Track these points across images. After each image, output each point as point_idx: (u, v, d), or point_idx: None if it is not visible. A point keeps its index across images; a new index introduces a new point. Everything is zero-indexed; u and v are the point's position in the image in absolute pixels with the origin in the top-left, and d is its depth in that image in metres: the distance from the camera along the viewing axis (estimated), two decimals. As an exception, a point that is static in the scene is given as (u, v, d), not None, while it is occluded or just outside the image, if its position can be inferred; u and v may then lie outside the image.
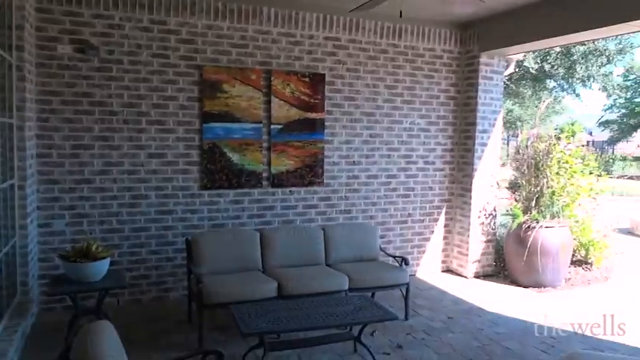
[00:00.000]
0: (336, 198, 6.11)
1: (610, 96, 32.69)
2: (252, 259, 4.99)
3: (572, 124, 6.71)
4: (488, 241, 6.73)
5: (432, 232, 6.76)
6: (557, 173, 6.46)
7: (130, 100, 5.17)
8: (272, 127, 5.73)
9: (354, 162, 6.17)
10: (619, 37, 14.26)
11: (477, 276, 6.66)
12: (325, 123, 5.96)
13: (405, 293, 5.09)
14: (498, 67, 6.59)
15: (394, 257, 5.48)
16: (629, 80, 38.17)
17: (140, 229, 5.34)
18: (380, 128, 6.27)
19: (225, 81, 5.50)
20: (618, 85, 21.29)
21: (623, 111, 41.06)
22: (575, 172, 6.52)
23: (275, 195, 5.84)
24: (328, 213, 6.08)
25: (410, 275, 6.02)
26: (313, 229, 5.48)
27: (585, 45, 14.90)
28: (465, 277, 6.63)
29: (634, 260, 7.78)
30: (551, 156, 6.42)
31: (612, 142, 38.58)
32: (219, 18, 5.40)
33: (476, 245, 6.63)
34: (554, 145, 6.48)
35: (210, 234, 5.22)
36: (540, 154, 6.48)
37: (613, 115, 41.40)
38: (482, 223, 6.65)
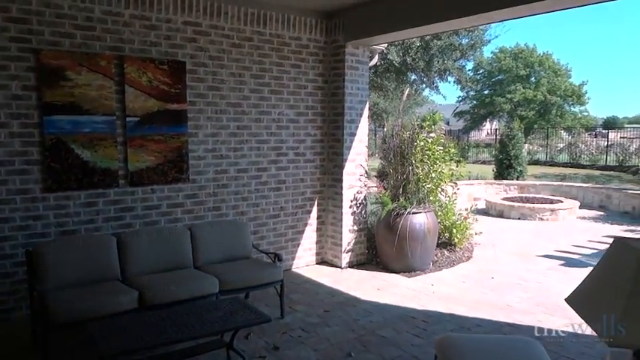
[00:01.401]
0: (204, 195, 5.72)
1: (463, 88, 35.66)
2: (109, 268, 4.45)
3: (434, 114, 7.00)
4: (360, 230, 6.80)
5: (306, 224, 6.67)
6: (422, 161, 6.70)
7: (-54, 90, 4.33)
8: (127, 119, 5.18)
9: (221, 155, 5.82)
10: (471, 33, 15.40)
11: (351, 265, 6.70)
12: (188, 115, 5.54)
13: (279, 290, 4.90)
14: (363, 57, 6.64)
15: (267, 254, 5.27)
16: (479, 74, 41.98)
17: (-33, 243, 4.52)
18: (248, 120, 5.99)
19: (69, 67, 4.83)
20: (470, 78, 23.16)
21: (475, 102, 45.21)
22: (437, 159, 6.81)
23: (135, 194, 5.30)
24: (196, 211, 5.68)
25: (285, 270, 5.89)
26: (179, 229, 5.07)
27: (442, 40, 15.83)
28: (340, 267, 6.63)
29: (491, 238, 8.41)
30: (415, 144, 6.63)
31: (466, 130, 42.26)
32: (58, -5, 4.72)
33: (348, 235, 6.66)
34: (418, 133, 6.71)
35: (55, 243, 4.55)
36: (405, 142, 6.66)
37: (466, 107, 45.38)
38: (354, 212, 6.70)
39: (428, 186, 6.78)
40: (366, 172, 6.83)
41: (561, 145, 24.28)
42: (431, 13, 5.37)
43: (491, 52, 43.66)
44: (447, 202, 7.37)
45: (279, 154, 6.30)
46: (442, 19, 5.32)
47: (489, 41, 17.06)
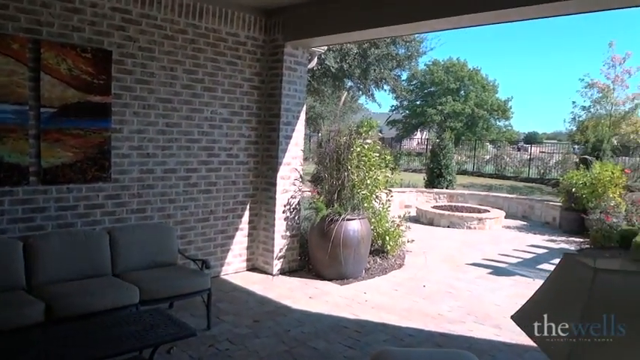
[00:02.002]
0: (127, 196, 5.31)
1: (398, 98, 36.46)
2: (13, 276, 3.97)
3: (370, 120, 6.94)
4: (293, 236, 6.60)
5: (237, 229, 6.38)
6: (357, 167, 6.61)
7: None
8: (42, 110, 4.68)
9: (148, 154, 5.44)
10: (408, 43, 15.66)
11: (283, 272, 6.48)
12: (112, 108, 5.11)
13: (206, 300, 4.60)
14: (302, 58, 6.47)
15: (194, 260, 4.96)
16: (412, 85, 43.10)
17: None
18: (178, 117, 5.64)
19: (-26, 49, 4.32)
20: (405, 88, 23.63)
21: (407, 112, 46.43)
22: (373, 165, 6.75)
23: (48, 193, 4.80)
24: (117, 213, 5.25)
25: (213, 277, 5.60)
26: (96, 233, 4.65)
27: (379, 49, 15.99)
28: (271, 274, 6.40)
29: (422, 246, 8.47)
30: (351, 150, 6.53)
31: (398, 139, 43.25)
32: (-37, -33, 4.20)
33: (281, 241, 6.44)
34: (355, 139, 6.62)
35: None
36: (342, 147, 6.54)
37: (399, 116, 46.50)
38: (287, 217, 6.50)
39: (363, 192, 6.70)
40: (301, 176, 6.65)
41: (487, 157, 25.30)
42: (371, 18, 5.28)
43: (425, 64, 45.00)
44: (380, 209, 7.33)
45: (211, 154, 5.99)
46: (382, 24, 5.25)
47: (425, 53, 17.47)
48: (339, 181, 6.46)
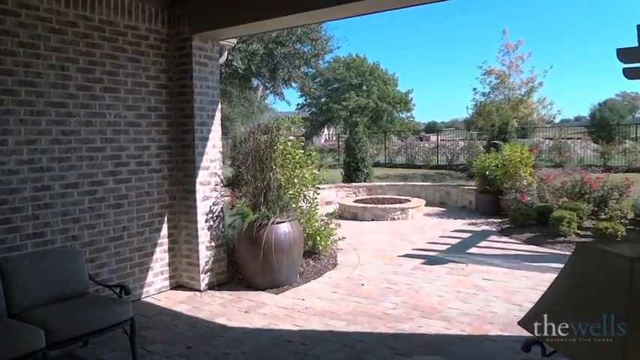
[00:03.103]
0: (19, 219, 4.48)
1: (306, 96, 36.40)
2: None
3: (294, 116, 6.55)
4: (218, 246, 6.04)
5: (155, 244, 5.72)
6: (282, 165, 6.19)
7: None
8: None
9: (42, 168, 4.64)
10: (314, 42, 15.45)
11: (212, 286, 5.91)
12: (-8, 117, 4.30)
13: (129, 332, 3.95)
14: (212, 52, 5.93)
15: (110, 287, 4.27)
16: (316, 82, 43.36)
17: None
18: (76, 123, 4.89)
19: None
20: (312, 85, 23.53)
21: (314, 110, 46.66)
22: (298, 163, 6.37)
23: None
24: (9, 241, 4.40)
25: (134, 301, 4.96)
26: (-18, 268, 3.83)
27: (285, 47, 15.66)
28: (199, 290, 5.80)
29: (351, 242, 8.22)
30: (274, 148, 6.10)
31: (308, 136, 43.29)
32: None
33: (206, 253, 5.87)
34: (277, 136, 6.19)
35: None
36: (263, 146, 6.09)
37: (306, 114, 46.62)
38: (211, 227, 5.93)
39: (290, 192, 6.30)
40: (222, 180, 6.10)
41: (396, 148, 25.88)
42: (283, 4, 4.89)
43: (326, 62, 45.51)
44: (308, 208, 6.97)
45: (118, 164, 5.28)
46: (296, 10, 4.87)
47: (332, 51, 17.42)
48: (264, 183, 6.00)
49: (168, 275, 5.88)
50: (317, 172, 6.72)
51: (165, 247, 5.83)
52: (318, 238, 6.95)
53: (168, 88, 5.76)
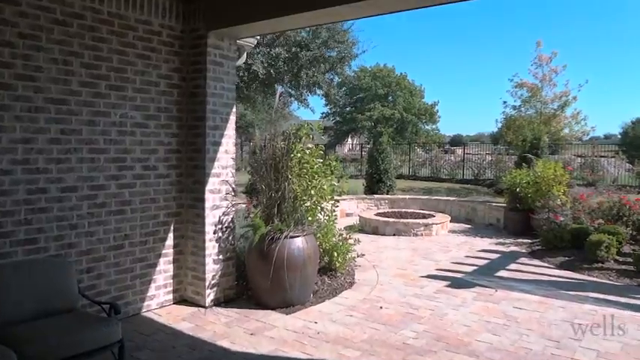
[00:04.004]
0: (10, 223, 4.13)
1: (330, 103, 36.05)
2: None
3: (313, 122, 6.12)
4: (227, 260, 5.62)
5: (159, 255, 5.32)
6: (299, 175, 5.76)
7: None
8: None
9: (37, 169, 4.30)
10: (340, 45, 15.03)
11: (218, 303, 5.49)
12: (-15, 112, 3.97)
13: (117, 354, 3.54)
14: (229, 51, 5.54)
15: (100, 304, 3.87)
16: (341, 91, 43.08)
17: None
18: (77, 122, 4.54)
19: None
20: (337, 92, 23.15)
21: (338, 119, 46.34)
22: (316, 173, 5.92)
23: None
24: (-3, 246, 4.07)
25: (133, 315, 4.63)
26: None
27: (311, 51, 15.31)
28: (203, 306, 5.38)
29: (370, 259, 7.73)
30: (291, 156, 5.68)
31: (330, 146, 42.94)
32: None
33: (213, 266, 5.45)
34: (294, 143, 5.77)
35: None
36: (280, 154, 5.66)
37: (330, 123, 46.32)
38: (220, 238, 5.51)
39: (306, 204, 5.86)
40: (233, 189, 5.69)
41: (420, 160, 25.26)
42: (303, 1, 4.47)
43: (353, 71, 45.32)
44: (326, 221, 6.51)
45: (122, 167, 4.92)
46: (322, 5, 4.44)
47: (357, 56, 16.99)
48: (279, 193, 5.57)
49: (171, 289, 5.48)
50: (337, 184, 6.26)
51: (170, 258, 5.44)
52: (335, 254, 6.49)
53: (180, 88, 5.39)
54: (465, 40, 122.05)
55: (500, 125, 21.67)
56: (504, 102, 18.53)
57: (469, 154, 25.16)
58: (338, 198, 6.53)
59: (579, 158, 20.05)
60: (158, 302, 5.34)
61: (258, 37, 6.83)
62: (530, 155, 11.34)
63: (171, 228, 5.42)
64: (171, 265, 5.46)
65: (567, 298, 5.95)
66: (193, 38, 5.36)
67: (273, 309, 5.35)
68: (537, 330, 4.90)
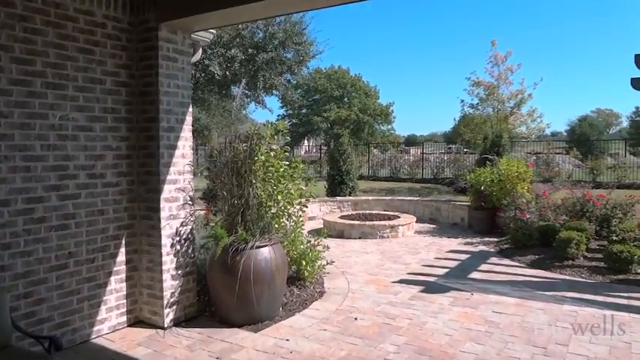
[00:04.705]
0: None
1: (287, 105, 35.59)
2: None
3: (277, 122, 5.70)
4: (187, 274, 5.12)
5: (110, 273, 4.76)
6: (264, 179, 5.33)
7: None
8: None
9: (-40, 181, 3.70)
10: (297, 46, 14.63)
11: (178, 322, 4.98)
12: None
13: (59, 397, 3.01)
14: (183, 45, 5.05)
15: (37, 338, 3.31)
16: (297, 93, 42.82)
17: None
18: (7, 126, 3.94)
19: None
20: (294, 94, 22.71)
21: (294, 121, 45.98)
22: (282, 176, 5.50)
23: None
24: None
25: (81, 343, 4.15)
26: None
27: (267, 52, 14.85)
28: (162, 327, 4.86)
29: (338, 264, 7.36)
30: (255, 159, 5.23)
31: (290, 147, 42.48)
32: None
33: (171, 282, 4.94)
34: (258, 145, 5.32)
35: None
36: (242, 157, 5.20)
37: (286, 125, 45.91)
38: (178, 251, 5.01)
39: (272, 211, 5.42)
40: (191, 198, 5.18)
41: (379, 160, 25.13)
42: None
43: (308, 72, 45.16)
44: (293, 227, 6.09)
45: (64, 176, 4.34)
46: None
47: (315, 56, 16.65)
48: (242, 200, 5.11)
49: (125, 309, 4.92)
50: (304, 188, 5.85)
51: (123, 275, 4.88)
52: (304, 263, 6.08)
53: (129, 86, 4.86)
54: (416, 41, 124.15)
55: (456, 124, 21.74)
56: (462, 100, 18.68)
57: (426, 153, 25.24)
58: (306, 203, 6.11)
59: (535, 155, 20.39)
60: (110, 326, 4.77)
61: (214, 32, 6.35)
62: (490, 156, 11.28)
63: (123, 242, 4.86)
64: (124, 283, 4.90)
65: (545, 299, 5.76)
66: (143, 31, 4.84)
67: (239, 326, 4.89)
68: (521, 336, 4.65)
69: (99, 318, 4.67)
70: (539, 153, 19.60)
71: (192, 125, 5.28)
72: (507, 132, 15.51)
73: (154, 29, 4.77)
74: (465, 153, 20.71)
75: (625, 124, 69.01)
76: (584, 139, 35.07)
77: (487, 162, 10.89)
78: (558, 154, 20.01)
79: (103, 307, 4.70)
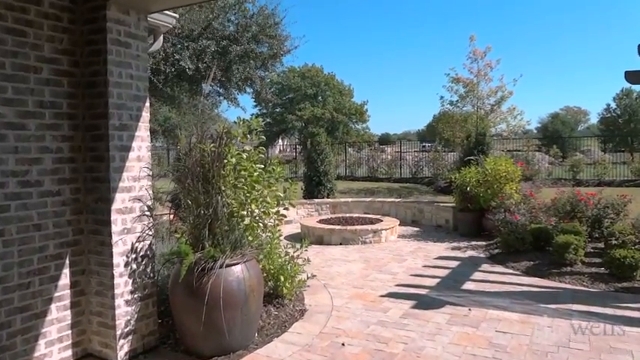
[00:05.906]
0: None
1: (262, 102, 34.75)
2: None
3: (250, 119, 4.98)
4: (146, 297, 4.35)
5: (50, 300, 3.97)
6: (235, 185, 4.60)
7: None
8: None
9: None
10: (272, 39, 13.88)
11: (135, 355, 4.21)
12: None
13: None
14: (137, 29, 4.28)
15: None
16: (271, 91, 41.94)
17: None
18: None
19: None
20: (271, 90, 21.90)
21: (267, 120, 45.17)
22: (256, 182, 4.78)
23: None
24: None
25: None
26: None
27: (241, 45, 14.04)
28: (115, 361, 4.10)
29: (319, 276, 6.67)
30: (225, 161, 4.50)
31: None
32: None
33: (126, 308, 4.17)
34: (227, 145, 4.59)
35: None
36: (209, 159, 4.46)
37: (260, 124, 45.10)
38: (134, 271, 4.24)
39: (245, 222, 4.71)
40: (149, 207, 4.41)
41: (354, 160, 24.55)
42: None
43: (282, 70, 44.50)
44: (270, 238, 5.38)
45: (-12, 185, 3.55)
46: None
47: (290, 51, 15.90)
48: (210, 209, 4.36)
49: (70, 342, 4.12)
50: (281, 195, 5.14)
51: (67, 302, 4.09)
52: (282, 278, 5.37)
53: (72, 76, 4.07)
54: (390, 39, 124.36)
55: (432, 121, 21.34)
56: (441, 97, 18.21)
57: (403, 152, 24.78)
58: (283, 213, 5.42)
59: (513, 153, 20.08)
60: (51, 362, 3.99)
61: (176, 16, 5.58)
62: (473, 158, 10.78)
63: (67, 262, 4.07)
64: (69, 311, 4.11)
65: (550, 313, 5.20)
66: (88, 10, 4.06)
67: (208, 358, 4.16)
68: (535, 363, 4.05)
69: (36, 355, 3.87)
70: (518, 150, 19.31)
71: (163, 125, 4.51)
72: (487, 129, 15.11)
73: (101, 8, 3.99)
74: (444, 151, 20.26)
75: (592, 121, 70.32)
76: (556, 136, 35.21)
77: (471, 161, 10.35)
78: (537, 151, 19.76)
79: (41, 342, 3.91)
